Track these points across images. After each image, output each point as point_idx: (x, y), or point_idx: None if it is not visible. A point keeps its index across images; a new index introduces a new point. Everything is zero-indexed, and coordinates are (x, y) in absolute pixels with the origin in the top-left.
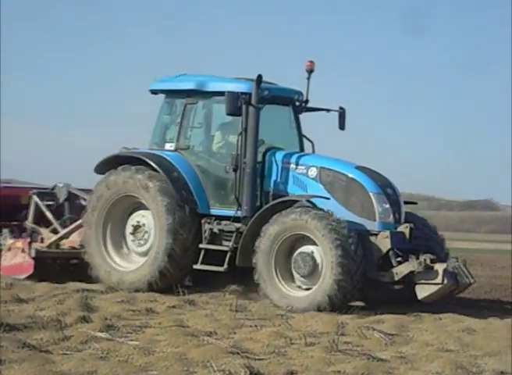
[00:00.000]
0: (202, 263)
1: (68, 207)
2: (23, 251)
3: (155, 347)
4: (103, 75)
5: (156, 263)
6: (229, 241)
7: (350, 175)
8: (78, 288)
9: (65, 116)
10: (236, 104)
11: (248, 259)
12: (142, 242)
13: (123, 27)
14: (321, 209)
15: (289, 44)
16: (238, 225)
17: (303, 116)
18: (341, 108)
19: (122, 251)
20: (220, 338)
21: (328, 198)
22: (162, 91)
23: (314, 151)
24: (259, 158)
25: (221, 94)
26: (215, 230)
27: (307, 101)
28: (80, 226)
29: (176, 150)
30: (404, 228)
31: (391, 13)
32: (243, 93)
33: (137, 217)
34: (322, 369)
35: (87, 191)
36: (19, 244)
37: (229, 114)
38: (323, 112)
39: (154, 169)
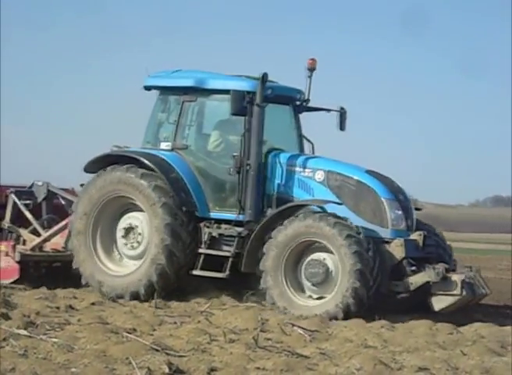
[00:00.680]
0: (201, 269)
1: (46, 206)
2: (6, 254)
3: (75, 344)
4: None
5: (154, 265)
6: (230, 245)
7: (361, 179)
8: None
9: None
10: (242, 103)
11: (254, 265)
12: (135, 245)
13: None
14: (336, 216)
15: (286, 41)
16: (239, 229)
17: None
18: (342, 108)
19: (113, 256)
20: (140, 335)
21: (340, 204)
22: (157, 88)
23: (313, 153)
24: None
25: (222, 92)
26: (214, 235)
27: (307, 101)
28: (63, 227)
29: (172, 149)
30: (417, 236)
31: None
32: (247, 92)
33: (128, 219)
34: (243, 366)
35: (66, 190)
36: (2, 247)
37: (234, 114)
38: (323, 112)
39: (147, 168)
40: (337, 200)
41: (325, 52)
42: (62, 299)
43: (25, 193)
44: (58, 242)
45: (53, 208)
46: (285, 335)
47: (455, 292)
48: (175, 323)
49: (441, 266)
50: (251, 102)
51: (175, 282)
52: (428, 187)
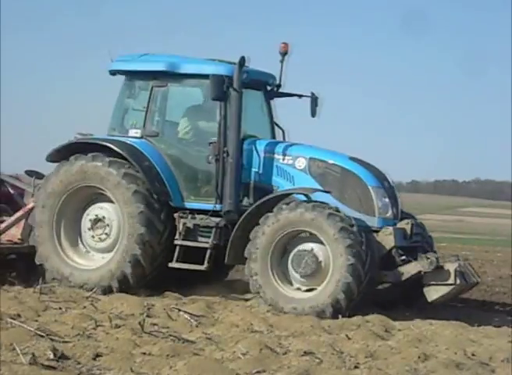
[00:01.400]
0: (177, 261)
1: None
2: None
3: None
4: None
5: (127, 256)
6: (207, 237)
7: (346, 167)
8: None
9: None
10: (222, 88)
11: (239, 257)
12: (103, 237)
13: None
14: (329, 206)
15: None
16: (216, 219)
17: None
18: (313, 94)
19: (79, 249)
20: (25, 321)
21: (328, 192)
22: (124, 72)
23: (284, 140)
24: None
25: (195, 76)
26: (189, 225)
27: (279, 86)
28: (19, 218)
29: (142, 137)
30: (405, 224)
31: None
32: (225, 76)
33: (94, 210)
34: (129, 351)
35: (15, 178)
36: None
37: (214, 99)
38: (294, 98)
39: (115, 156)
40: (320, 188)
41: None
42: None
43: None
44: (14, 234)
45: (0, 197)
46: (171, 320)
47: (449, 281)
48: (60, 308)
49: (433, 255)
50: (228, 87)
51: (150, 273)
52: None
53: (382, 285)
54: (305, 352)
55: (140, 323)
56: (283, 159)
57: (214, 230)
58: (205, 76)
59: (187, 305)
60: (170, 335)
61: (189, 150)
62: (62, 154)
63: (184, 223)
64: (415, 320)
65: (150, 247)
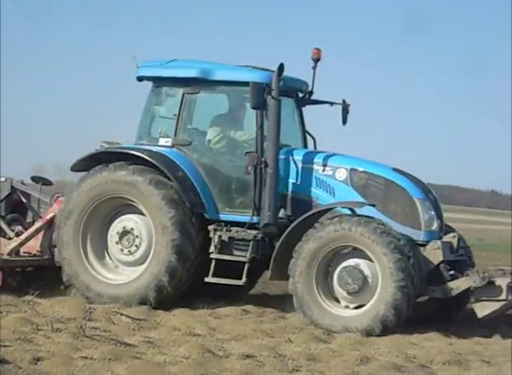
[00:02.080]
0: (213, 276)
1: (5, 204)
2: None
3: None
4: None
5: (163, 265)
6: (242, 250)
7: (390, 178)
8: None
9: None
10: (262, 96)
11: (282, 273)
12: (132, 250)
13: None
14: (376, 220)
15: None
16: (253, 232)
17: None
18: (344, 101)
19: (106, 264)
20: None
21: (374, 205)
22: (153, 78)
23: (315, 148)
24: None
25: (230, 83)
26: (224, 238)
27: (311, 93)
28: (38, 229)
29: (173, 146)
30: (452, 238)
31: None
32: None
33: (122, 223)
34: (69, 355)
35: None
36: None
37: (254, 107)
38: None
39: (143, 164)
40: (363, 200)
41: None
42: None
43: None
44: (32, 245)
45: (12, 206)
46: (112, 324)
47: (501, 297)
48: (0, 312)
49: (483, 271)
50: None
51: (185, 282)
52: None
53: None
54: (247, 356)
55: (80, 326)
56: (323, 170)
57: (251, 243)
58: (241, 84)
59: (128, 308)
60: (111, 339)
61: (223, 160)
62: (88, 163)
63: (220, 236)
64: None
65: (185, 254)
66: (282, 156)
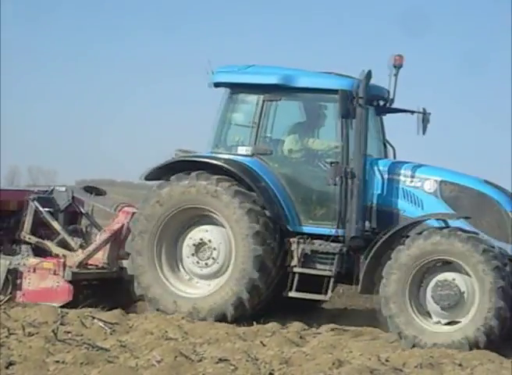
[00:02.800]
0: (296, 290)
1: (64, 215)
2: (54, 273)
3: None
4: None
5: (244, 279)
6: (325, 263)
7: (482, 191)
8: None
9: None
10: (351, 104)
11: (372, 288)
12: (209, 262)
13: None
14: (466, 230)
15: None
16: (337, 245)
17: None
18: (424, 110)
19: (180, 276)
20: None
21: (469, 218)
22: (230, 85)
23: (395, 158)
24: None
25: (313, 91)
26: (307, 251)
27: (392, 101)
28: (106, 241)
29: (253, 155)
30: None
31: None
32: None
33: (197, 234)
34: (42, 359)
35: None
36: (49, 264)
37: (342, 116)
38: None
39: (220, 174)
40: (453, 213)
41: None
42: None
43: (45, 199)
44: (98, 258)
45: (70, 216)
46: (85, 328)
47: None
48: None
49: None
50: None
51: (264, 299)
52: None
53: None
54: (220, 359)
55: (53, 330)
56: (410, 181)
57: (336, 256)
58: (325, 91)
59: (101, 312)
60: (84, 343)
61: (303, 170)
62: (162, 172)
63: (302, 249)
64: (330, 325)
65: (267, 269)
66: (366, 167)
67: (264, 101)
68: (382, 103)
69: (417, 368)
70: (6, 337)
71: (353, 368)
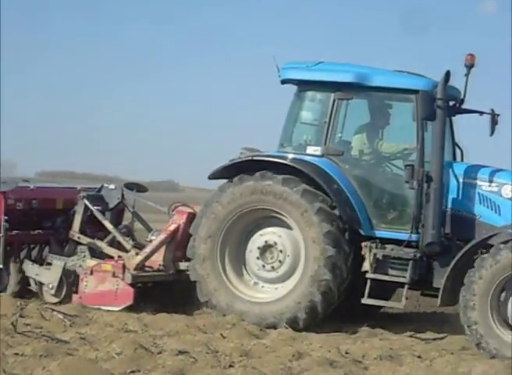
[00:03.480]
0: (370, 297)
1: (111, 214)
2: (114, 275)
3: None
4: None
5: (316, 282)
6: (398, 269)
7: None
8: None
9: None
10: (433, 105)
11: (452, 299)
12: (276, 265)
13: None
14: None
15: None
16: (411, 250)
17: None
18: (493, 111)
19: (245, 280)
20: None
21: None
22: (299, 82)
23: (463, 160)
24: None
25: (389, 90)
26: (379, 257)
27: (462, 102)
28: (163, 242)
29: (323, 155)
30: None
31: None
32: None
33: (262, 237)
34: (1, 352)
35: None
36: (108, 266)
37: (425, 118)
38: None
39: (287, 174)
40: None
41: None
42: None
43: (95, 197)
44: (154, 260)
45: (116, 215)
46: (44, 320)
47: None
48: None
49: None
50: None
51: (335, 302)
52: (191, 171)
53: None
54: (180, 352)
55: (12, 323)
56: (487, 186)
57: (411, 262)
58: (401, 91)
59: (61, 304)
60: (43, 335)
61: (376, 172)
62: (227, 172)
63: (374, 254)
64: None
65: (339, 271)
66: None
67: (335, 99)
68: (453, 104)
69: (377, 360)
70: None
71: (313, 360)
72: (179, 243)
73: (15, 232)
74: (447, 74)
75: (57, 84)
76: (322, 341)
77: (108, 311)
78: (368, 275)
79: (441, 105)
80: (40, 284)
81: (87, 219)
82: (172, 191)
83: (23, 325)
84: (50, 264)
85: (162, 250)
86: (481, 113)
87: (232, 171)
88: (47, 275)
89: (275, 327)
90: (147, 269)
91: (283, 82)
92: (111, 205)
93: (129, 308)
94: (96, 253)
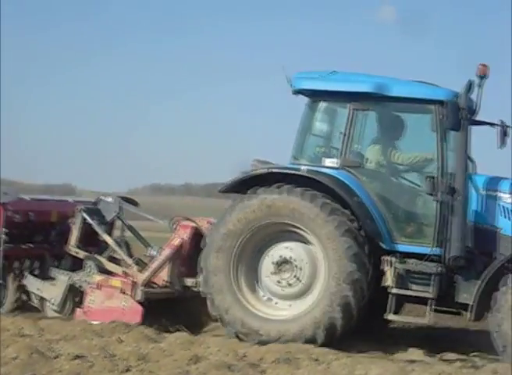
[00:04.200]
0: (393, 313)
1: (110, 227)
2: (122, 292)
3: None
4: None
5: (336, 298)
6: (420, 284)
7: None
8: None
9: None
10: (458, 116)
11: (483, 314)
12: (292, 282)
13: None
14: None
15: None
16: (433, 264)
17: None
18: (502, 122)
19: (259, 297)
20: None
21: None
22: (312, 92)
23: (475, 172)
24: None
25: (409, 101)
26: (400, 271)
27: (475, 113)
28: (168, 258)
29: (340, 167)
30: None
31: None
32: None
33: (278, 251)
34: None
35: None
36: (117, 282)
37: (451, 129)
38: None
39: (305, 186)
40: None
41: None
42: None
43: (92, 211)
44: (159, 275)
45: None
46: None
47: None
48: None
49: None
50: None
51: (355, 320)
52: (89, 175)
53: None
54: (77, 356)
55: None
56: (508, 198)
57: (434, 277)
58: (421, 101)
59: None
60: None
61: (395, 183)
62: (239, 185)
63: (395, 268)
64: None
65: (360, 287)
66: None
67: (352, 110)
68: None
69: (274, 363)
70: None
71: (211, 363)
72: (184, 258)
73: (12, 245)
74: (469, 84)
75: None
76: (220, 345)
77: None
78: (391, 290)
79: (465, 115)
80: (42, 299)
81: (84, 233)
82: (70, 194)
83: None
84: (52, 279)
85: (168, 265)
86: (493, 125)
87: (246, 184)
88: (50, 290)
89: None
90: (154, 285)
91: (296, 92)
92: (107, 219)
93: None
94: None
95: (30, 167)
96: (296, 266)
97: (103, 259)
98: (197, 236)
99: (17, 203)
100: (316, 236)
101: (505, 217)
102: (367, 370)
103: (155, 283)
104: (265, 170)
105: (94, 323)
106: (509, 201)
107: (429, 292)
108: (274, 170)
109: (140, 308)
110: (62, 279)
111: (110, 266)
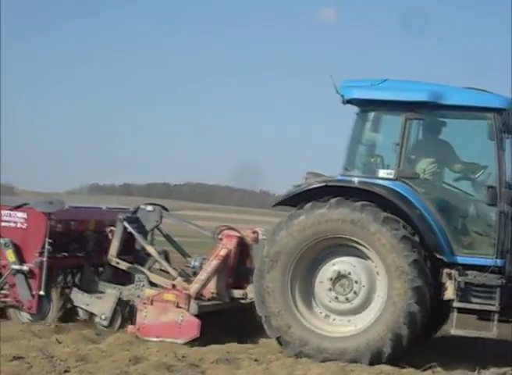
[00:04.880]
0: (458, 327)
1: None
2: (177, 306)
3: None
4: None
5: (402, 313)
6: (482, 297)
7: None
8: None
9: None
10: None
11: None
12: (350, 297)
13: None
14: None
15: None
16: (495, 276)
17: None
18: None
19: (315, 313)
20: None
21: None
22: (364, 101)
23: None
24: None
25: (463, 108)
26: (461, 284)
27: None
28: (216, 268)
29: (396, 179)
30: None
31: None
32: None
33: (334, 267)
34: None
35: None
36: (171, 296)
37: None
38: None
39: (360, 199)
40: None
41: None
42: None
43: (132, 219)
44: (208, 288)
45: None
46: None
47: None
48: None
49: None
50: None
51: (418, 333)
52: (28, 175)
53: None
54: (14, 357)
55: None
56: None
57: (498, 289)
58: (477, 109)
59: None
60: None
61: (454, 194)
62: (293, 199)
63: (457, 281)
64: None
65: (424, 301)
66: None
67: (407, 119)
68: None
69: (214, 363)
70: None
71: (150, 364)
72: (230, 269)
73: (57, 256)
74: None
75: None
76: (159, 346)
77: None
78: (455, 304)
79: None
80: (91, 314)
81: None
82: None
83: None
84: (101, 292)
85: (215, 277)
86: None
87: (300, 198)
88: (99, 305)
89: (356, 362)
90: (203, 298)
91: (347, 102)
92: (147, 228)
93: None
94: (118, 278)
95: None
96: (354, 281)
97: (146, 271)
98: (242, 246)
99: (59, 212)
100: (376, 249)
101: None
102: (306, 371)
103: (203, 296)
104: (320, 184)
105: (153, 339)
106: None
107: (493, 305)
108: (329, 184)
109: (197, 321)
110: (111, 293)
111: (154, 278)
